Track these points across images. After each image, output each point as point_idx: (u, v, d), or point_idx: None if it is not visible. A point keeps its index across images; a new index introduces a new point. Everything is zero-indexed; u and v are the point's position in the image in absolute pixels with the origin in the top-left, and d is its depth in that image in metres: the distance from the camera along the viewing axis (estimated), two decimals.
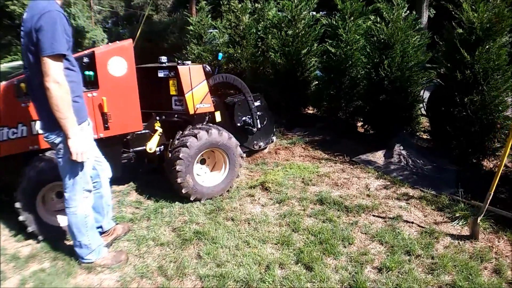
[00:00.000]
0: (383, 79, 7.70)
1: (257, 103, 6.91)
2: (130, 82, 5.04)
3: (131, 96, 5.09)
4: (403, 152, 7.24)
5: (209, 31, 13.95)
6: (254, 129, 6.59)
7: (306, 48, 9.58)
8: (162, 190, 5.82)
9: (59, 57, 3.51)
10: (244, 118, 6.69)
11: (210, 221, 5.24)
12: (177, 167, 5.33)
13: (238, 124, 6.68)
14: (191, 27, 13.98)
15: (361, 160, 7.30)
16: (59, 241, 4.64)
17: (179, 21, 18.00)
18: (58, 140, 3.80)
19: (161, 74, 5.69)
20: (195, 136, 5.38)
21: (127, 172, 5.82)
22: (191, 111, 5.64)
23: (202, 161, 5.94)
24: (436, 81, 8.49)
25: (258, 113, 6.80)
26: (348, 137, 8.51)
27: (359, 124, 9.21)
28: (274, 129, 7.61)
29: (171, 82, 5.63)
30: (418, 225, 5.03)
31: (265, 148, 7.52)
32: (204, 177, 5.93)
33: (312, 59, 9.67)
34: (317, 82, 9.74)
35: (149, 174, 6.39)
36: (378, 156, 7.37)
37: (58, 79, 3.47)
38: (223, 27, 12.63)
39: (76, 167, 3.90)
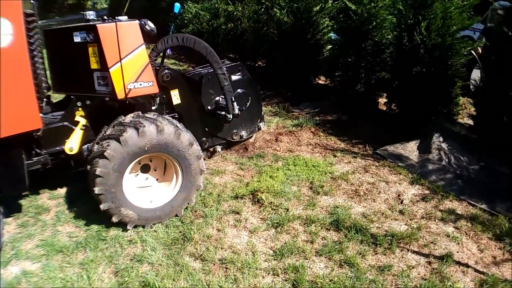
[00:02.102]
0: (418, 46, 5.76)
1: (235, 77, 4.87)
2: (18, 57, 3.17)
3: (19, 77, 3.21)
4: (444, 145, 5.24)
5: None
6: (229, 116, 4.55)
7: (319, 5, 7.74)
8: None
9: None
10: (217, 99, 4.69)
11: (169, 260, 3.40)
12: (103, 206, 3.59)
13: (209, 108, 4.68)
14: None
15: (388, 153, 5.33)
16: None
17: None
18: None
19: (77, 38, 3.68)
20: (102, 155, 3.45)
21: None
22: (120, 95, 3.65)
23: (145, 167, 4.01)
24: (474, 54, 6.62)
25: (238, 91, 4.79)
26: (368, 117, 6.55)
27: (382, 100, 7.28)
28: (262, 112, 5.48)
29: (90, 50, 3.64)
30: (475, 270, 3.34)
31: (249, 138, 5.48)
32: (154, 190, 4.03)
33: (326, 19, 7.54)
34: (331, 46, 7.81)
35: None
36: (411, 149, 5.40)
37: None
38: None
39: None
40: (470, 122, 5.94)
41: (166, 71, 4.18)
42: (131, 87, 3.64)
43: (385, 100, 7.06)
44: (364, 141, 5.71)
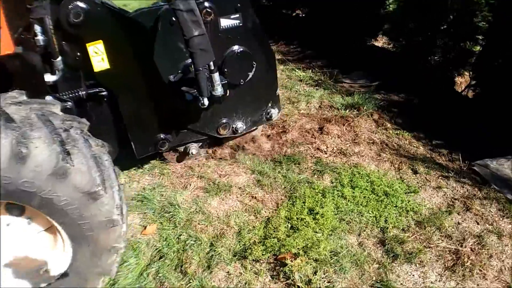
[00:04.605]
0: None
1: (228, 22, 2.43)
2: None
3: None
4: None
5: None
6: (203, 99, 2.27)
7: None
8: None
9: None
10: (188, 63, 2.35)
11: None
12: None
13: (172, 79, 2.37)
14: None
15: (491, 174, 3.14)
16: None
17: None
18: None
19: None
20: None
21: None
22: None
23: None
24: None
25: (233, 49, 2.47)
26: (444, 101, 4.19)
27: (460, 79, 4.89)
28: (278, 90, 2.97)
29: None
30: None
31: (251, 131, 3.07)
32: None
33: None
34: None
35: None
36: None
37: None
38: None
39: None
40: None
41: (77, 3, 1.96)
42: None
43: (466, 79, 4.81)
44: (449, 142, 3.41)
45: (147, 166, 2.78)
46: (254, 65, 2.54)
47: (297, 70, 4.67)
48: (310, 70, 4.69)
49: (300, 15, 7.53)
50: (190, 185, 2.61)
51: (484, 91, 4.31)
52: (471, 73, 4.76)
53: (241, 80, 2.52)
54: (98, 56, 2.04)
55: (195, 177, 2.69)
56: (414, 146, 3.31)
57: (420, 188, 2.77)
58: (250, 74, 2.55)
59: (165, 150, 2.56)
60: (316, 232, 2.19)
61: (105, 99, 2.22)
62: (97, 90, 2.17)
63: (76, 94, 2.10)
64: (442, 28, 4.69)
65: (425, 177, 2.90)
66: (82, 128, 1.67)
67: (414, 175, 2.91)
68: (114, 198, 1.60)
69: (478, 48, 4.57)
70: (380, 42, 5.93)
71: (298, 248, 2.03)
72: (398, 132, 3.46)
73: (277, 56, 5.20)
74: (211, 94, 2.22)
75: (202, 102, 2.21)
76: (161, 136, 2.48)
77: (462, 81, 5.17)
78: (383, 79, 4.65)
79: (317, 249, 2.05)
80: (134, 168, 2.75)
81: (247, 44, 2.48)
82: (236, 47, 2.44)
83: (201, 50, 1.98)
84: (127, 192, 2.52)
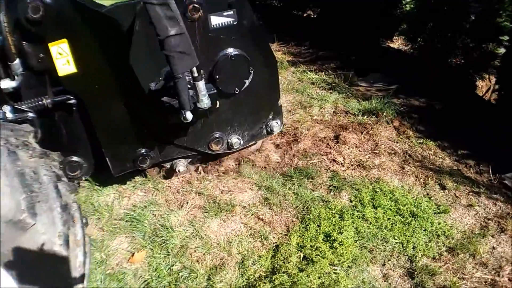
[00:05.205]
0: None
1: (220, 20, 2.03)
2: None
3: None
4: None
5: None
6: (185, 112, 1.87)
7: None
8: None
9: None
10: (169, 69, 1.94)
11: None
12: None
13: (152, 87, 1.99)
14: None
15: None
16: None
17: None
18: None
19: None
20: None
21: None
22: None
23: None
24: None
25: (227, 52, 2.10)
26: (466, 106, 3.77)
27: (481, 83, 4.62)
28: (279, 100, 2.56)
29: None
30: None
31: (250, 146, 2.69)
32: None
33: None
34: None
35: None
36: None
37: None
38: None
39: None
40: None
41: None
42: None
43: (487, 83, 4.63)
44: (476, 152, 3.04)
45: (140, 179, 2.43)
46: (252, 71, 2.18)
47: (309, 72, 4.30)
48: (323, 72, 4.31)
49: (312, 16, 7.18)
50: (187, 203, 2.25)
51: (509, 96, 3.93)
52: (494, 76, 4.41)
53: (236, 89, 2.17)
54: (63, 58, 1.71)
55: (193, 193, 2.33)
56: (439, 157, 2.92)
57: (450, 206, 2.39)
58: (247, 82, 2.19)
59: (146, 167, 2.21)
60: (334, 265, 1.82)
61: (74, 108, 1.88)
62: (65, 98, 1.83)
63: (39, 102, 1.76)
64: (462, 28, 4.33)
65: (454, 193, 2.52)
66: (16, 136, 1.33)
67: (442, 191, 2.53)
68: (55, 224, 1.25)
69: (501, 50, 4.22)
70: (396, 43, 5.54)
71: (314, 286, 1.67)
72: (422, 141, 3.08)
73: (288, 58, 4.83)
74: (195, 106, 1.85)
75: (184, 116, 1.84)
76: (142, 151, 2.14)
77: (483, 85, 4.81)
78: (402, 82, 4.27)
79: (337, 285, 1.68)
80: (125, 181, 2.39)
81: (243, 46, 2.12)
82: (230, 50, 2.08)
83: (180, 53, 1.63)
84: (115, 210, 2.18)
